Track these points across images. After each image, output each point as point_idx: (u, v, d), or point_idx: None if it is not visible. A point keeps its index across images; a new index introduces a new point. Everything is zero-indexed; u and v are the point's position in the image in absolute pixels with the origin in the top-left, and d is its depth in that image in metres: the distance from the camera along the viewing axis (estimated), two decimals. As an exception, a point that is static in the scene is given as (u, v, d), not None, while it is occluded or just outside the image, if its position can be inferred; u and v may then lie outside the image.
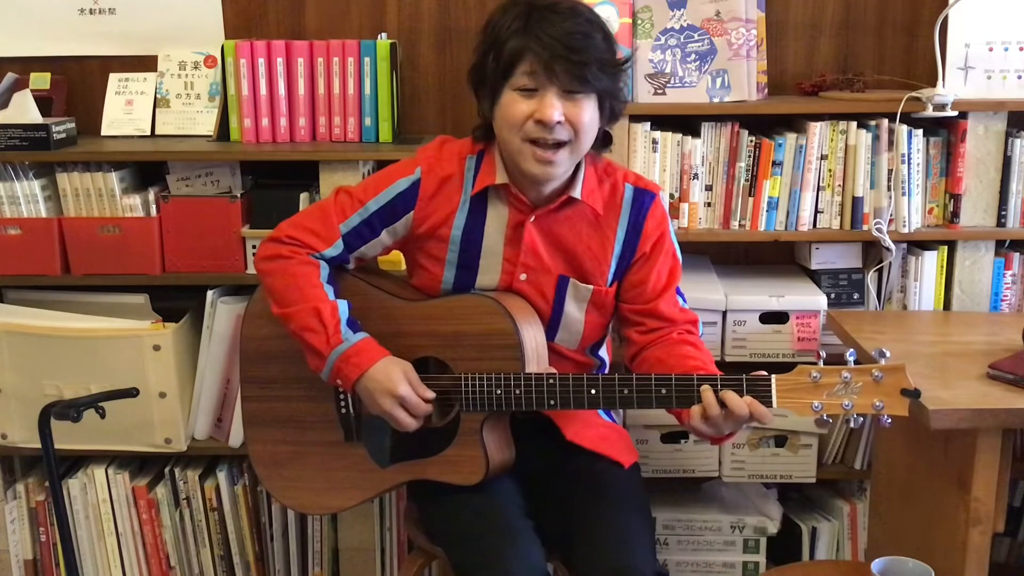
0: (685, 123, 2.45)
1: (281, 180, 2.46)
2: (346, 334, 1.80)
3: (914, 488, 2.19)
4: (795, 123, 2.48)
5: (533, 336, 1.84)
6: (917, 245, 2.47)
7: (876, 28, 2.64)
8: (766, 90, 2.52)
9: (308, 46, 2.49)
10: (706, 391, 1.70)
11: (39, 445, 2.14)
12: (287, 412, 1.99)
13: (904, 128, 2.37)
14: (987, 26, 2.40)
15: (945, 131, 2.45)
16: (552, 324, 1.92)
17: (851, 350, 1.73)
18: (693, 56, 2.41)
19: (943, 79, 2.37)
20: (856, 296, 2.50)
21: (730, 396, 1.68)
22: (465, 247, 1.88)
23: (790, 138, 2.41)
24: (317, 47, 2.48)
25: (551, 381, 1.78)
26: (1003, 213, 2.43)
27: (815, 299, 2.42)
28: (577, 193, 1.85)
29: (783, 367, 1.71)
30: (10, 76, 2.57)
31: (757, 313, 2.42)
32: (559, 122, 1.72)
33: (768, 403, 1.69)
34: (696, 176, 2.43)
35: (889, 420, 1.66)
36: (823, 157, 2.41)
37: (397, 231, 1.91)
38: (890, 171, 2.42)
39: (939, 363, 2.08)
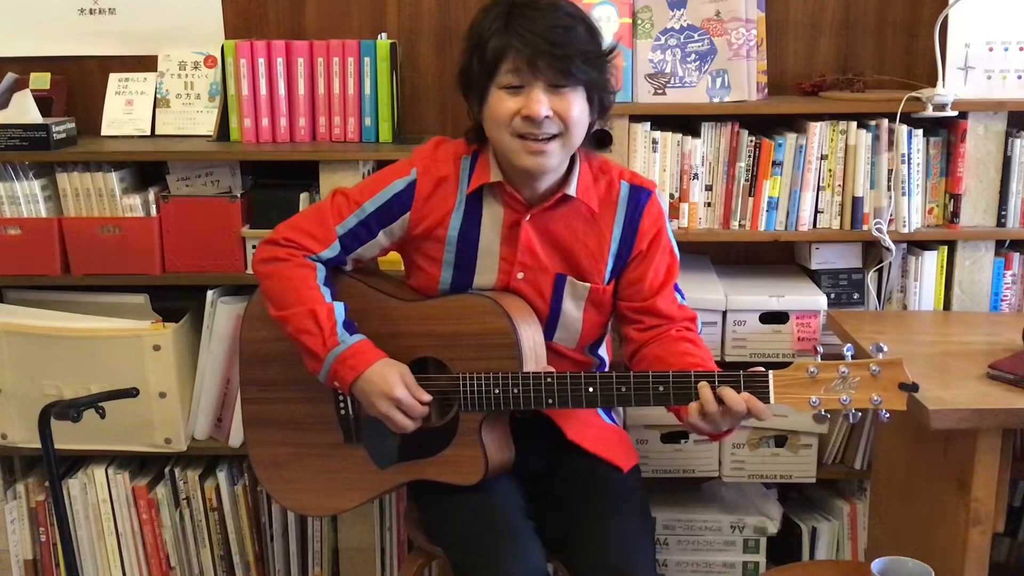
0: (685, 123, 2.45)
1: (281, 180, 2.46)
2: (342, 336, 1.81)
3: (914, 488, 2.19)
4: (795, 123, 2.48)
5: (531, 335, 1.84)
6: (917, 245, 2.47)
7: (876, 28, 2.64)
8: (766, 90, 2.52)
9: (308, 46, 2.49)
10: (703, 387, 1.70)
11: (39, 445, 2.14)
12: (286, 414, 1.99)
13: (904, 128, 2.37)
14: (987, 26, 2.40)
15: (945, 131, 2.44)
16: (550, 323, 1.92)
17: (848, 345, 1.72)
18: (693, 56, 2.41)
19: (943, 79, 2.36)
20: (856, 296, 2.50)
21: (727, 392, 1.68)
22: (462, 247, 1.89)
23: (790, 138, 2.40)
24: (317, 47, 2.48)
25: (549, 380, 1.78)
26: (1003, 213, 2.43)
27: (815, 299, 2.42)
28: (572, 190, 1.85)
29: (782, 367, 1.70)
30: (10, 76, 2.57)
31: (757, 313, 2.42)
32: (547, 116, 1.72)
33: (766, 399, 1.69)
34: (696, 176, 2.43)
35: (887, 415, 1.65)
36: (823, 157, 2.41)
37: (394, 232, 1.91)
38: (890, 171, 2.42)
39: (939, 363, 2.08)
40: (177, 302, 2.49)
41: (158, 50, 2.62)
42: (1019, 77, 2.42)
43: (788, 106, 2.48)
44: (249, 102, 2.48)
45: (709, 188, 2.45)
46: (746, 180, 2.42)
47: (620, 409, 2.17)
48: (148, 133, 2.60)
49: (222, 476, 2.52)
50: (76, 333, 2.36)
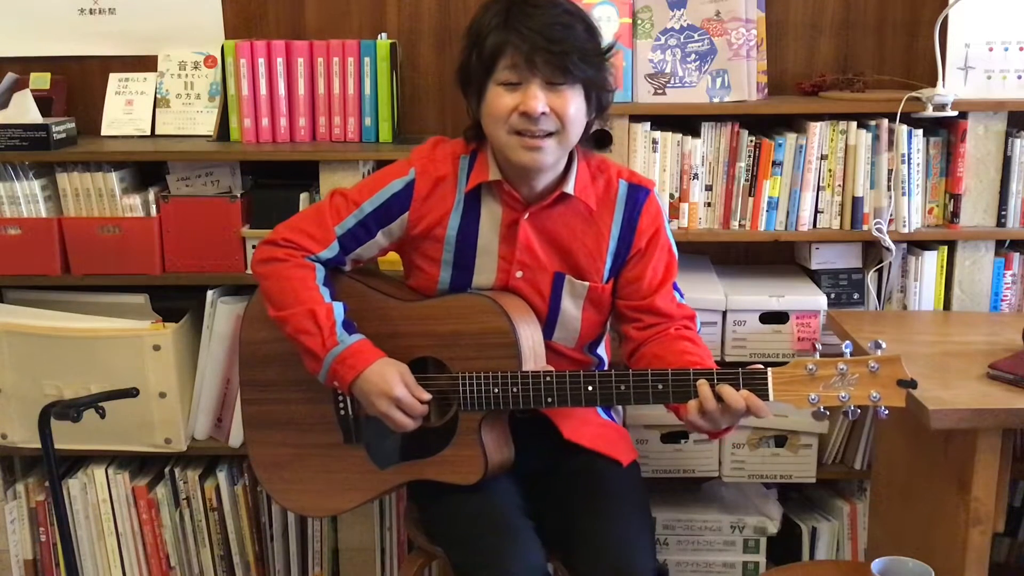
0: (685, 123, 2.45)
1: (281, 180, 2.46)
2: (341, 336, 1.81)
3: (914, 488, 2.19)
4: (795, 123, 2.48)
5: (530, 334, 1.84)
6: (917, 245, 2.47)
7: (876, 28, 2.64)
8: (766, 90, 2.52)
9: (308, 46, 2.49)
10: (702, 385, 1.70)
11: (39, 445, 2.14)
12: (286, 414, 1.99)
13: (904, 128, 2.37)
14: (987, 26, 2.40)
15: (945, 131, 2.44)
16: (549, 322, 1.92)
17: (847, 342, 1.72)
18: (693, 56, 2.41)
19: (943, 79, 2.36)
20: (856, 296, 2.50)
21: (726, 390, 1.68)
22: (460, 247, 1.89)
23: (790, 138, 2.40)
24: (317, 47, 2.48)
25: (548, 379, 1.78)
26: (1003, 213, 2.42)
27: (815, 299, 2.42)
28: (570, 189, 1.85)
29: (781, 366, 1.70)
30: (10, 76, 2.57)
31: (757, 313, 2.42)
32: (544, 113, 1.72)
33: (765, 396, 1.68)
34: (696, 176, 2.43)
35: (886, 412, 1.65)
36: (823, 157, 2.41)
37: (392, 232, 1.91)
38: (890, 171, 2.41)
39: (939, 363, 2.08)
40: (177, 302, 2.49)
41: (158, 50, 2.62)
42: (1019, 77, 2.42)
43: (788, 106, 2.48)
44: (249, 102, 2.48)
45: (709, 188, 2.45)
46: (746, 180, 2.42)
47: (620, 408, 2.17)
48: (148, 133, 2.60)
49: (222, 476, 2.51)
50: (76, 333, 2.36)
